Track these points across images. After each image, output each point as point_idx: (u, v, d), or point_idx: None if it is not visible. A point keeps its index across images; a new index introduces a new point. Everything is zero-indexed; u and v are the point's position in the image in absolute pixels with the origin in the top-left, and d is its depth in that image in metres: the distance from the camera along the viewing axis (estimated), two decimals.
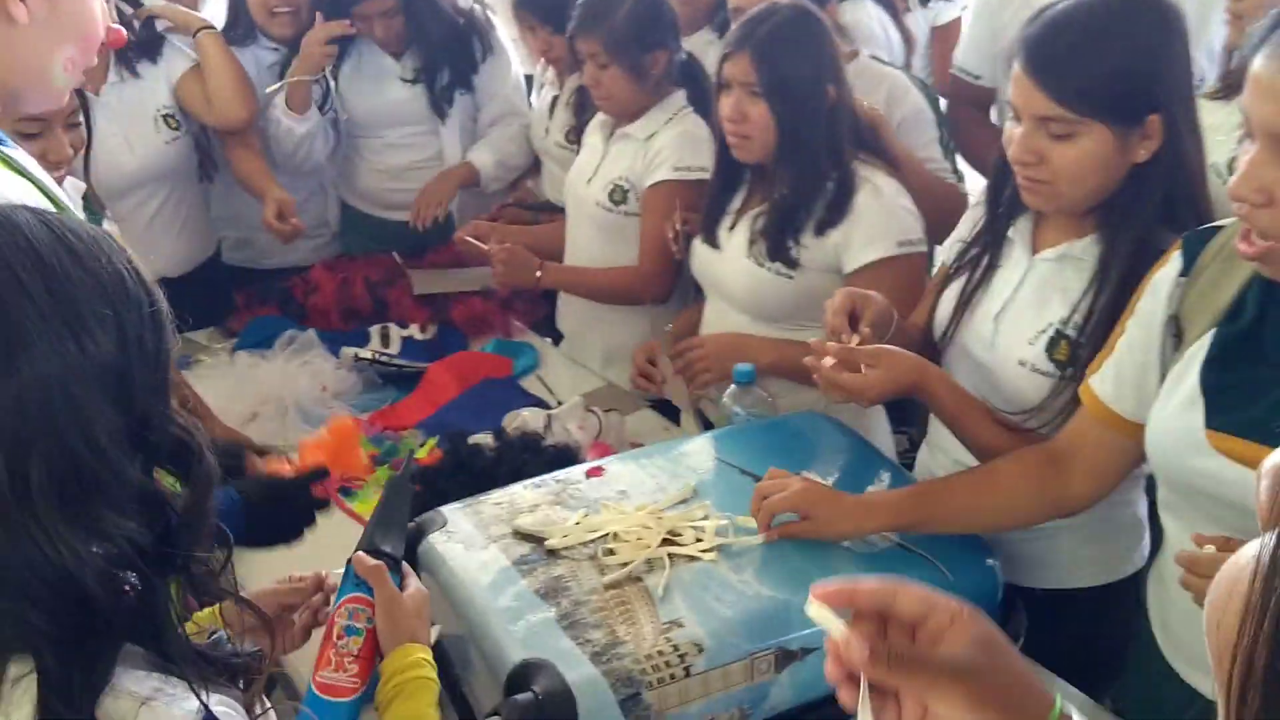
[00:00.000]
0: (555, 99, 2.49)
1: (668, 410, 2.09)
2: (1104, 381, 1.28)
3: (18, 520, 0.73)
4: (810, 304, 1.74)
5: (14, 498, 0.73)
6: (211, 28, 2.43)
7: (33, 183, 1.12)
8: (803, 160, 1.75)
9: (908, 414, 2.05)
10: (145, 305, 0.81)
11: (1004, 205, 1.48)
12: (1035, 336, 1.42)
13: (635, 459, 1.51)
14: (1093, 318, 1.36)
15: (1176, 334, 1.22)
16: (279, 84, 2.50)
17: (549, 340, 2.41)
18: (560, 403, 2.05)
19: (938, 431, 1.61)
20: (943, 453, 1.61)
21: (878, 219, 1.74)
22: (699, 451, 1.52)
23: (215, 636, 0.93)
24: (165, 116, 2.40)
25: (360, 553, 1.13)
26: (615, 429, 1.96)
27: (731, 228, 1.88)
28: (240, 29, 2.57)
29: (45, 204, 1.03)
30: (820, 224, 1.76)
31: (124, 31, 1.28)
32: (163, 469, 0.85)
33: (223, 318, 2.41)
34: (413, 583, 1.15)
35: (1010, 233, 1.47)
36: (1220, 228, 1.20)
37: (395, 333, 2.32)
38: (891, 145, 1.91)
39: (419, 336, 2.32)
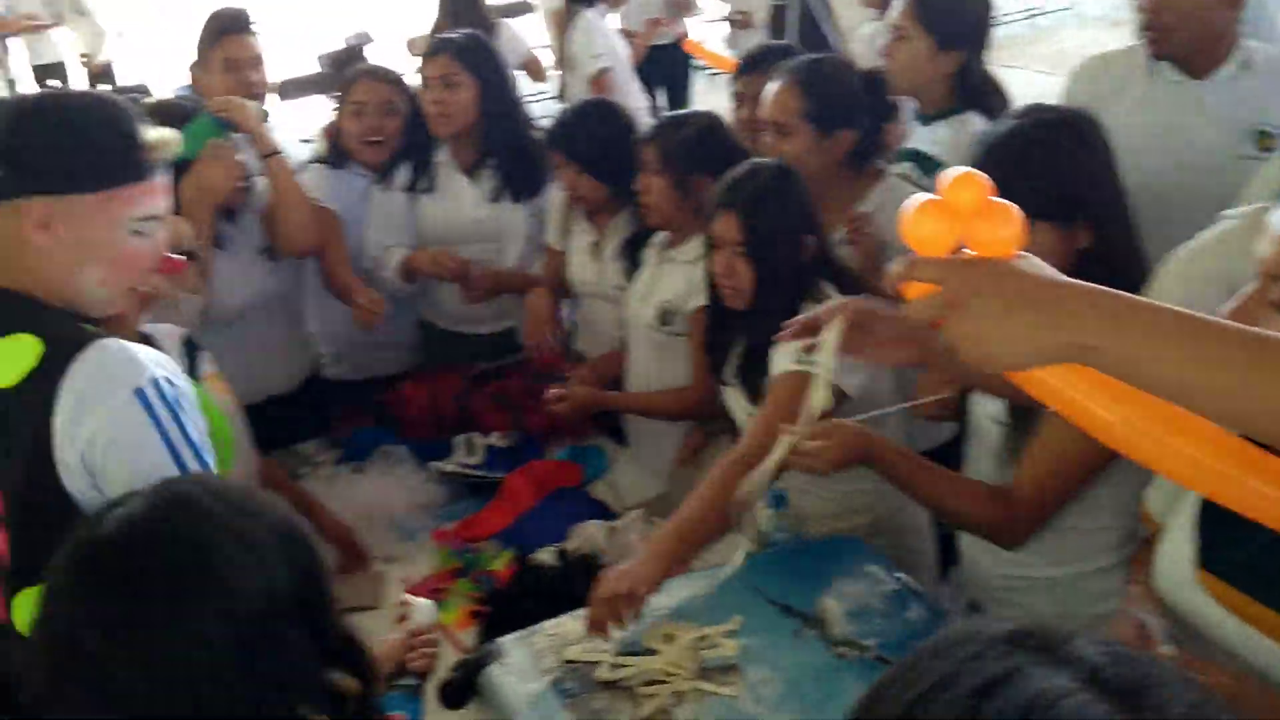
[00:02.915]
0: (595, 244, 2.61)
1: None
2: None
3: None
4: None
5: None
6: (279, 153, 2.48)
7: None
8: (775, 307, 1.89)
9: None
10: (303, 542, 1.04)
11: None
12: None
13: (676, 587, 1.67)
14: None
15: None
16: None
17: (617, 442, 2.58)
18: (626, 508, 2.22)
19: None
20: None
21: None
22: (738, 579, 1.67)
23: None
24: (266, 248, 2.52)
25: None
26: None
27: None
28: (336, 155, 2.82)
29: None
30: None
31: (181, 260, 1.48)
32: (337, 666, 1.06)
33: (328, 429, 2.65)
34: None
35: None
36: None
37: (479, 441, 2.51)
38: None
39: (499, 444, 2.52)
